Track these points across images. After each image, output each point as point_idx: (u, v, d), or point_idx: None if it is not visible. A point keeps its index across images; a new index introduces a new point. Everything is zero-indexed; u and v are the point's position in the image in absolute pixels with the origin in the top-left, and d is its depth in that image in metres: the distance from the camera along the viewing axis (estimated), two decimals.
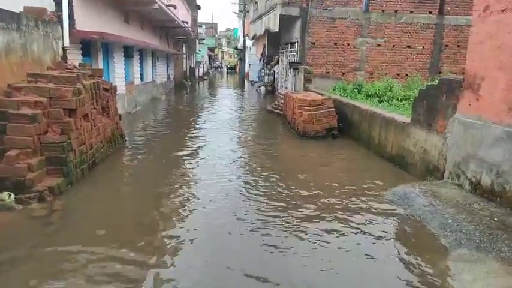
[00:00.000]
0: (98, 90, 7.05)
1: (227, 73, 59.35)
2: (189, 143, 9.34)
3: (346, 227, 4.70)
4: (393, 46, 15.24)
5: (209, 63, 59.42)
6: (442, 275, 3.63)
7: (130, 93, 13.82)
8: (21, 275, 3.50)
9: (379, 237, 4.44)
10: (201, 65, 43.03)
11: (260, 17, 19.94)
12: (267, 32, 18.57)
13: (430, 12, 15.07)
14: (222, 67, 68.93)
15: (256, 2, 22.94)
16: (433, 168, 6.24)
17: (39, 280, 3.40)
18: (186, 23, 22.26)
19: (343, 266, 3.88)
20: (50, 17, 7.65)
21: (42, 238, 4.18)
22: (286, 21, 15.41)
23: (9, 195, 4.85)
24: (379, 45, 15.19)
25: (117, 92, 11.62)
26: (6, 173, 4.94)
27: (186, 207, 5.19)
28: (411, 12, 14.97)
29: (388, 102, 10.49)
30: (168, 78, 24.04)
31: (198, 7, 33.87)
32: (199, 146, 9.01)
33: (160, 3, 13.02)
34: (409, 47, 15.32)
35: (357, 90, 12.50)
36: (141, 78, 16.33)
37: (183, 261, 3.85)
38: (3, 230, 4.31)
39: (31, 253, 3.85)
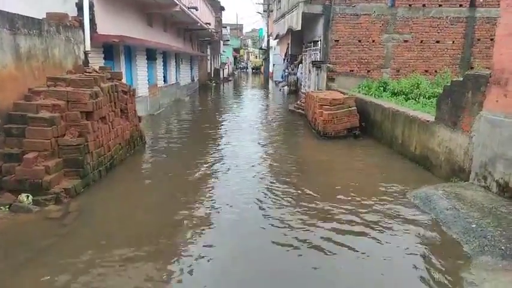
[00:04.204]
0: (116, 93, 7.16)
1: (252, 73, 59.44)
2: (211, 144, 9.33)
3: (365, 230, 4.51)
4: (421, 42, 14.67)
5: (234, 64, 59.72)
6: (462, 284, 3.38)
7: (153, 95, 14.04)
8: (32, 274, 3.56)
9: (397, 242, 4.23)
10: (226, 66, 43.28)
11: (283, 16, 19.75)
12: (290, 31, 18.37)
13: (461, 5, 14.40)
14: (247, 68, 69.07)
15: (280, 1, 22.78)
16: (458, 169, 5.90)
17: (49, 281, 3.45)
18: (209, 24, 22.41)
19: (361, 271, 3.71)
20: (71, 22, 7.85)
21: (56, 239, 4.24)
22: (308, 20, 15.16)
23: (28, 196, 4.98)
24: (406, 41, 14.66)
25: (140, 94, 11.89)
26: (25, 175, 5.06)
27: (205, 212, 5.11)
28: (440, 5, 14.35)
29: (416, 100, 10.07)
30: (192, 80, 24.30)
31: (222, 8, 34.09)
32: (221, 147, 8.99)
33: (182, 6, 13.14)
34: (438, 42, 14.69)
35: (382, 88, 12.10)
36: (165, 80, 16.56)
37: (200, 271, 3.77)
38: (19, 231, 4.41)
39: (43, 254, 3.91)
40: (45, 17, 7.36)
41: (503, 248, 3.72)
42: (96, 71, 7.22)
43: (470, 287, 3.33)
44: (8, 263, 3.70)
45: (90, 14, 8.35)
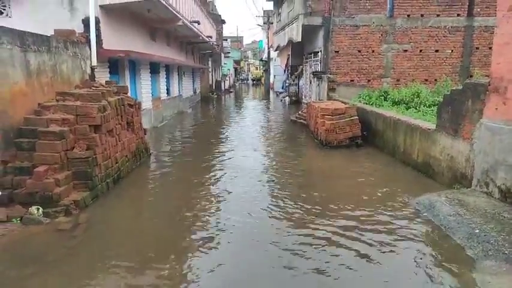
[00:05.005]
0: (122, 107, 7.31)
1: (252, 85, 59.79)
2: (215, 155, 9.43)
3: (369, 236, 4.58)
4: (420, 51, 14.89)
5: (235, 76, 60.19)
6: None
7: (157, 108, 14.22)
8: (43, 285, 3.64)
9: (402, 248, 4.30)
10: (227, 78, 43.68)
11: (283, 28, 20.06)
12: (291, 42, 18.64)
13: (458, 15, 14.65)
14: (248, 79, 69.61)
15: (279, 14, 23.13)
16: (461, 176, 5.98)
17: None
18: (211, 37, 22.73)
19: (365, 277, 3.77)
20: (78, 38, 8.06)
21: (66, 250, 4.34)
22: (308, 31, 15.43)
23: (38, 209, 5.08)
24: (405, 50, 14.89)
25: (144, 107, 12.05)
26: (36, 188, 5.18)
27: (212, 222, 5.19)
28: (438, 15, 14.60)
29: (416, 109, 10.20)
30: (194, 92, 24.54)
31: (223, 21, 34.57)
32: (224, 158, 9.08)
33: (184, 20, 13.40)
34: (437, 51, 14.92)
35: (382, 97, 12.24)
36: (168, 93, 16.77)
37: (208, 281, 3.83)
38: (30, 243, 4.51)
39: (54, 265, 4.00)
40: (53, 33, 7.57)
41: (506, 252, 3.79)
42: (103, 86, 7.39)
43: None
44: (20, 274, 3.77)
45: (96, 30, 8.56)
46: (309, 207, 5.63)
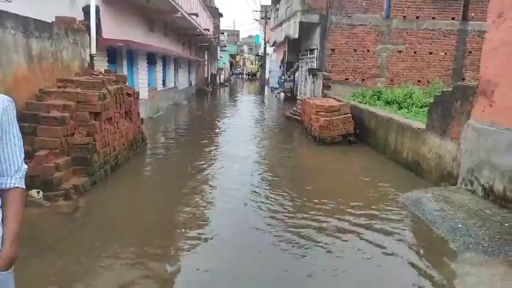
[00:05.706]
0: (121, 95, 7.42)
1: (247, 79, 59.82)
2: (209, 147, 9.60)
3: (358, 229, 4.79)
4: (414, 52, 15.13)
5: (230, 70, 60.14)
6: (447, 277, 3.68)
7: (152, 98, 14.29)
8: (44, 265, 3.78)
9: (388, 240, 4.52)
10: (223, 72, 43.71)
11: (280, 24, 20.18)
12: (287, 38, 18.78)
13: (453, 18, 14.90)
14: (243, 74, 69.57)
15: (277, 10, 23.23)
16: (447, 175, 6.24)
17: (61, 270, 3.68)
18: (208, 30, 22.77)
19: (352, 267, 3.99)
20: (78, 26, 8.12)
21: (67, 232, 4.49)
22: (306, 28, 15.58)
23: (38, 192, 5.20)
24: (400, 51, 15.11)
25: (141, 97, 12.11)
26: (36, 171, 5.27)
27: (204, 209, 5.40)
28: (433, 18, 14.84)
29: (408, 109, 10.44)
30: (190, 84, 24.60)
31: (221, 15, 34.55)
32: (218, 150, 9.26)
33: (183, 12, 13.47)
34: (430, 53, 15.17)
35: (376, 96, 12.45)
36: (164, 84, 16.83)
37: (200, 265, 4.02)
38: (32, 224, 4.63)
39: (56, 245, 4.14)
40: (54, 20, 7.62)
41: (486, 245, 4.04)
42: (103, 74, 7.49)
43: (454, 279, 3.64)
44: (21, 254, 3.86)
45: (96, 19, 8.61)
46: (301, 200, 5.83)
